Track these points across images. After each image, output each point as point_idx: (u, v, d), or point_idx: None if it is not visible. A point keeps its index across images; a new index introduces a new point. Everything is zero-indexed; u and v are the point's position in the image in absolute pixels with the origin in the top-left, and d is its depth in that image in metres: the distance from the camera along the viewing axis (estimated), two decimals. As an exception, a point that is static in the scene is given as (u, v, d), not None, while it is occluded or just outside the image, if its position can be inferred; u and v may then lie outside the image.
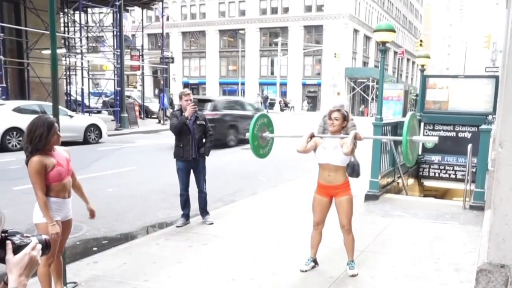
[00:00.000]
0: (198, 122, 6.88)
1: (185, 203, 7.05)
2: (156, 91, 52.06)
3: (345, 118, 4.87)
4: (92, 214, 4.35)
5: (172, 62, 36.99)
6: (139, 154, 15.20)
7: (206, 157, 7.00)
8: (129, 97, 28.34)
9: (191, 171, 6.94)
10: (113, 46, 25.82)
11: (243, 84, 61.56)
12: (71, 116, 17.06)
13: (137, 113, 26.66)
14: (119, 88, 24.16)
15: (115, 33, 25.15)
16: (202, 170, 6.99)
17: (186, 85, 68.63)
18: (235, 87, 62.84)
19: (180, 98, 6.87)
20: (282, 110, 50.93)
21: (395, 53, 70.18)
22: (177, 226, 6.93)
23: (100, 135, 17.90)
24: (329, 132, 4.94)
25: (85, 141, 17.24)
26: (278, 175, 11.93)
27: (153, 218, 7.80)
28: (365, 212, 7.84)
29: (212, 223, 7.05)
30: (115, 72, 24.98)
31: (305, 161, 13.32)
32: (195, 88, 69.24)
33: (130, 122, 23.84)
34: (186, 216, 7.09)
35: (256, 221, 7.29)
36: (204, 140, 6.94)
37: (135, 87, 45.59)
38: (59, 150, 4.03)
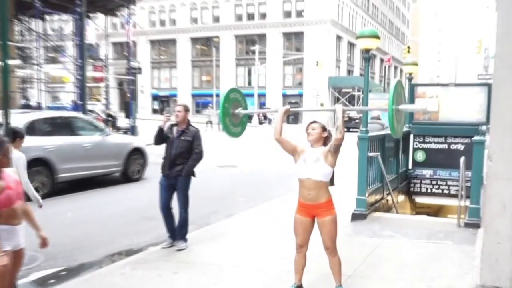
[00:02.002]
0: (182, 138, 6.91)
1: (166, 221, 7.08)
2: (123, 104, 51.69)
3: (324, 129, 4.90)
4: (44, 243, 4.22)
5: (140, 72, 36.86)
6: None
7: (191, 176, 7.02)
8: (91, 111, 28.06)
9: (174, 188, 6.98)
10: (74, 56, 25.62)
11: (218, 96, 61.45)
12: (105, 134, 13.25)
13: (101, 129, 26.39)
14: (80, 102, 23.93)
15: (76, 42, 24.98)
16: (181, 189, 6.98)
17: (155, 97, 68.53)
18: (209, 99, 62.77)
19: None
20: (260, 123, 51.05)
21: (382, 60, 71.22)
22: (162, 248, 6.98)
23: (144, 164, 13.99)
24: (310, 143, 4.93)
25: (125, 176, 13.44)
26: (258, 194, 11.88)
27: (118, 245, 7.66)
28: (352, 233, 7.82)
29: (182, 249, 6.94)
30: (76, 85, 24.75)
31: (287, 178, 13.26)
32: (166, 101, 69.10)
33: (94, 139, 23.55)
34: (171, 237, 7.09)
35: (233, 245, 7.21)
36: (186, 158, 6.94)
37: (99, 100, 45.18)
38: (7, 171, 3.93)
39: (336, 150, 4.76)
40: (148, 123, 44.92)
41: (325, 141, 4.91)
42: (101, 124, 14.25)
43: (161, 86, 70.04)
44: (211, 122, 39.42)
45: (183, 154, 6.91)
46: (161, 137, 6.98)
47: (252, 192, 12.12)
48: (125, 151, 13.47)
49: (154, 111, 69.10)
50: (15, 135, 6.24)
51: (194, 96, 67.58)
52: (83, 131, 12.58)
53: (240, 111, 5.39)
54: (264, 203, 10.64)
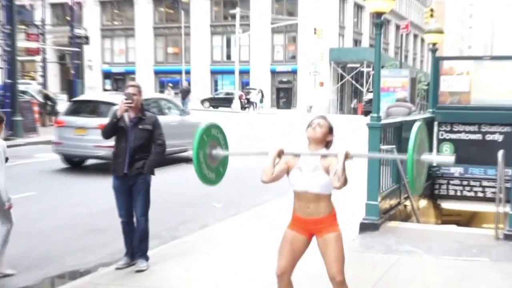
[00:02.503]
0: (140, 126, 6.90)
1: (126, 235, 7.10)
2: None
3: (331, 130, 4.87)
4: None
5: (87, 43, 36.57)
6: (40, 174, 14.90)
7: (151, 175, 7.08)
8: (24, 92, 27.77)
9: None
10: (0, 21, 25.32)
11: (188, 73, 61.47)
12: (184, 113, 18.17)
13: (37, 116, 26.17)
14: (9, 81, 23.67)
15: (2, 2, 24.68)
16: (140, 192, 6.99)
17: (107, 74, 68.18)
18: (177, 77, 62.64)
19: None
20: (243, 107, 51.07)
21: (398, 27, 71.55)
22: (117, 268, 6.94)
23: None
24: (309, 142, 4.88)
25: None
26: (239, 200, 11.87)
27: (59, 265, 7.60)
28: (360, 248, 7.83)
29: (143, 270, 6.91)
30: (4, 58, 24.49)
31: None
32: (121, 80, 68.75)
33: (26, 129, 23.36)
34: (130, 254, 7.07)
35: (206, 265, 7.19)
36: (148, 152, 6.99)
37: (34, 79, 44.80)
38: None
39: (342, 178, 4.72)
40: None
41: (327, 144, 4.90)
42: (180, 104, 19.38)
43: (115, 61, 69.68)
44: None
45: (142, 147, 6.90)
46: (114, 129, 6.91)
47: (232, 197, 12.09)
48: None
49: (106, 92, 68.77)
50: None
51: (157, 73, 67.40)
52: (167, 111, 17.10)
53: (219, 152, 5.28)
54: (248, 210, 10.61)
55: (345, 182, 4.55)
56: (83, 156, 15.70)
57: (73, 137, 15.07)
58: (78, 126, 15.08)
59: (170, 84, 44.08)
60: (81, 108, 16.10)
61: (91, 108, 15.87)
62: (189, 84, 47.87)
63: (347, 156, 4.57)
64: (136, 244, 7.05)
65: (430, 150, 4.87)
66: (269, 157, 4.84)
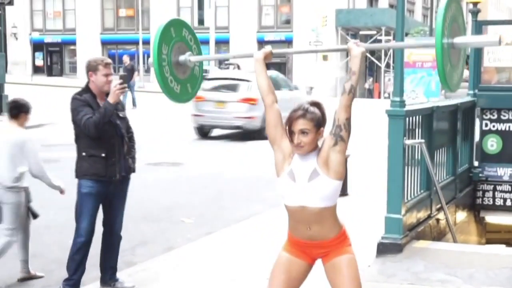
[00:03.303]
0: (120, 115, 7.33)
1: (83, 258, 7.47)
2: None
3: (319, 124, 4.72)
4: None
5: (10, 3, 36.31)
6: None
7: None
8: None
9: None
10: None
11: (147, 43, 61.22)
12: (293, 88, 23.79)
13: None
14: None
15: None
16: (124, 199, 7.62)
17: (38, 46, 67.74)
18: (133, 48, 62.47)
19: (94, 70, 7.10)
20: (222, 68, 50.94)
21: (427, -19, 71.71)
22: None
23: None
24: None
25: None
26: (215, 213, 11.89)
27: None
28: (378, 277, 7.84)
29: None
30: None
31: (265, 186, 13.26)
32: (57, 52, 68.45)
33: None
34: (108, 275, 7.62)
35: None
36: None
37: None
38: None
39: (345, 129, 4.63)
40: (28, 91, 44.47)
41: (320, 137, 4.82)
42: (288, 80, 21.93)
43: (48, 27, 69.34)
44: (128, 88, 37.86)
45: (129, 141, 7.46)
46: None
47: (206, 209, 12.10)
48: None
49: (37, 69, 68.41)
50: (19, 109, 7.21)
51: (105, 43, 67.13)
52: (280, 86, 22.33)
53: (189, 57, 5.30)
54: (226, 227, 10.62)
55: (353, 95, 4.66)
56: (223, 126, 23.26)
57: (213, 110, 22.33)
58: (218, 100, 22.53)
59: (130, 56, 41.92)
60: (217, 84, 24.01)
61: (227, 84, 23.77)
62: (131, 59, 41.17)
63: (362, 53, 4.68)
64: (114, 264, 7.65)
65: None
66: (255, 65, 4.97)
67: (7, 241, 7.90)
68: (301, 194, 4.68)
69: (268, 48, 4.99)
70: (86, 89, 7.20)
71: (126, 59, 37.39)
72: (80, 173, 7.26)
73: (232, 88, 23.21)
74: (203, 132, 23.33)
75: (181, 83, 5.27)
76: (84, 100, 7.09)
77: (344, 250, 4.80)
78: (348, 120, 4.65)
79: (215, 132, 23.80)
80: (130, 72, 34.96)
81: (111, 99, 6.97)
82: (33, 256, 8.77)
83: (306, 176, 4.66)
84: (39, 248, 9.14)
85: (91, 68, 7.11)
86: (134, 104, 32.97)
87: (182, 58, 5.24)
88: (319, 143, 4.73)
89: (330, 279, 4.83)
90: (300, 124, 4.63)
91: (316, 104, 4.75)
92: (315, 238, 4.75)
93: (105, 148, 7.15)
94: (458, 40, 4.61)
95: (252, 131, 22.12)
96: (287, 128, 4.71)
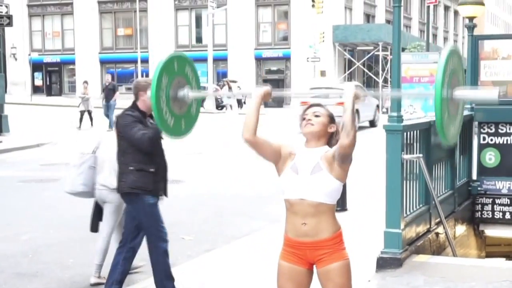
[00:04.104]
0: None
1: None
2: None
3: (332, 119, 4.83)
4: None
5: (9, 24, 36.38)
6: None
7: None
8: None
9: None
10: None
11: (145, 61, 61.43)
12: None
13: None
14: None
15: None
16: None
17: (37, 66, 67.84)
18: (131, 67, 62.60)
19: (145, 90, 7.08)
20: (219, 107, 51.02)
21: (423, -3, 71.90)
22: None
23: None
24: (306, 139, 4.87)
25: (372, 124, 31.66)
26: (215, 230, 11.84)
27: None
28: (379, 292, 7.81)
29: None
30: None
31: (266, 202, 13.21)
32: (56, 72, 68.53)
33: None
34: None
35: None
36: None
37: None
38: None
39: (343, 160, 4.69)
40: (27, 111, 44.50)
41: (330, 139, 4.87)
42: None
43: (47, 47, 69.45)
44: (88, 112, 33.57)
45: None
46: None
47: (206, 227, 12.06)
48: (374, 104, 34.28)
49: (36, 89, 68.50)
50: None
51: (103, 62, 67.23)
52: None
53: (188, 92, 5.28)
54: (227, 244, 10.57)
55: (355, 135, 4.55)
56: None
57: None
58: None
59: (86, 80, 39.62)
60: (317, 92, 31.00)
61: (324, 91, 31.33)
62: (112, 78, 40.72)
63: (357, 97, 4.59)
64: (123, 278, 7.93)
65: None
66: (252, 100, 4.90)
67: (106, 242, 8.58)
68: (302, 186, 4.73)
69: (268, 88, 4.97)
70: (135, 107, 7.39)
71: (108, 78, 36.45)
72: (125, 187, 7.40)
73: (328, 95, 31.54)
74: None
75: (176, 118, 5.25)
76: (137, 117, 7.28)
77: (338, 255, 4.79)
78: (344, 154, 4.66)
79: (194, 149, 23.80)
80: (111, 92, 33.74)
81: None
82: (33, 276, 8.79)
83: (309, 169, 4.73)
84: (39, 267, 9.11)
85: (142, 88, 7.31)
86: (110, 126, 31.52)
87: (180, 93, 5.23)
88: (330, 149, 4.80)
89: (321, 285, 4.86)
90: (315, 109, 4.85)
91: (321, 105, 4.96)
92: (308, 236, 4.76)
93: (155, 164, 7.37)
94: (457, 93, 4.62)
95: None
96: (301, 118, 4.87)
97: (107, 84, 34.93)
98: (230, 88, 50.79)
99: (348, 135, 4.53)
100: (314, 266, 4.88)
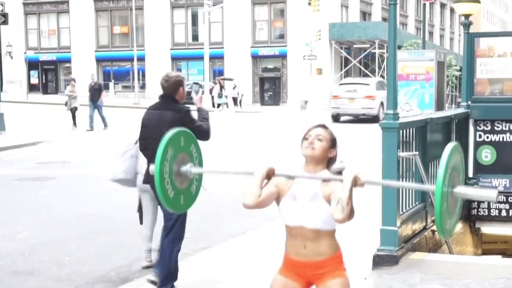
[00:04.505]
0: None
1: None
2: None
3: (333, 143, 4.82)
4: None
5: (5, 22, 36.33)
6: None
7: None
8: None
9: None
10: None
11: (141, 59, 61.35)
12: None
13: None
14: None
15: None
16: None
17: (33, 64, 67.74)
18: (127, 65, 62.53)
19: (183, 84, 7.93)
20: (216, 105, 50.98)
21: (419, -6, 71.88)
22: None
23: None
24: (305, 160, 4.85)
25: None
26: (212, 228, 11.87)
27: None
28: (375, 290, 7.82)
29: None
30: None
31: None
32: (52, 70, 68.43)
33: None
34: None
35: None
36: None
37: None
38: None
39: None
40: (23, 109, 44.45)
41: (329, 162, 4.86)
42: None
43: (43, 45, 69.38)
44: (73, 110, 32.18)
45: None
46: None
47: (203, 224, 12.04)
48: (379, 100, 36.29)
49: (32, 88, 68.42)
50: None
51: (99, 60, 67.18)
52: None
53: (190, 168, 5.25)
54: (223, 242, 10.58)
55: (350, 214, 4.51)
56: (353, 114, 38.33)
57: (346, 104, 37.60)
58: (350, 97, 37.48)
59: (74, 78, 38.46)
60: (347, 87, 39.36)
61: (354, 87, 39.00)
62: (93, 81, 35.34)
63: (356, 182, 4.55)
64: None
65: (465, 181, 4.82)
66: (255, 178, 4.82)
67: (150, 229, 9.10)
68: (301, 213, 4.72)
69: (271, 167, 4.91)
70: (175, 100, 7.84)
71: (93, 77, 35.15)
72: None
73: (357, 89, 38.14)
74: (337, 118, 38.45)
75: (176, 191, 5.23)
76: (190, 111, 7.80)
77: (338, 273, 4.79)
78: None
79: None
80: (97, 92, 32.56)
81: (201, 106, 8.03)
82: (29, 274, 8.79)
83: (307, 197, 4.72)
84: (36, 266, 9.12)
85: (183, 83, 7.89)
86: (105, 124, 31.57)
87: (183, 168, 5.21)
88: (330, 172, 4.82)
89: None
90: (319, 131, 4.81)
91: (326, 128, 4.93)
92: (309, 257, 4.76)
93: None
94: (457, 190, 4.64)
95: (371, 117, 35.93)
96: (303, 136, 4.83)
97: (92, 84, 33.52)
98: (222, 87, 50.78)
99: (342, 212, 4.49)
100: (314, 285, 4.88)
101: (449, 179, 4.48)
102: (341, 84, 41.50)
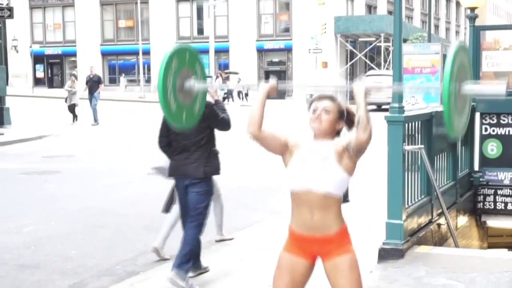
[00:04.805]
0: None
1: None
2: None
3: (342, 115, 4.79)
4: None
5: (10, 16, 36.34)
6: None
7: None
8: None
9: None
10: None
11: (146, 53, 61.35)
12: None
13: None
14: None
15: None
16: None
17: (39, 58, 67.82)
18: (133, 59, 62.55)
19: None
20: (223, 99, 50.97)
21: (425, -12, 71.73)
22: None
23: None
24: (313, 133, 4.82)
25: None
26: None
27: None
28: (380, 283, 7.81)
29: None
30: None
31: (268, 194, 13.20)
32: (57, 64, 68.45)
33: None
34: None
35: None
36: None
37: None
38: None
39: (357, 153, 4.65)
40: (29, 103, 44.47)
41: (337, 134, 4.84)
42: None
43: (49, 39, 69.41)
44: (72, 107, 31.85)
45: None
46: None
47: (208, 218, 12.05)
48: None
49: (38, 81, 68.47)
50: None
51: (105, 54, 67.21)
52: None
53: (194, 84, 5.27)
54: (228, 236, 10.52)
55: (371, 130, 4.57)
56: (380, 104, 38.48)
57: (373, 94, 36.06)
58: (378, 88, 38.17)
59: (74, 73, 37.65)
60: (374, 78, 38.89)
61: (379, 77, 40.03)
62: (91, 73, 34.51)
63: (366, 92, 4.64)
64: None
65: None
66: (258, 94, 4.89)
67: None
68: (309, 175, 4.65)
69: (274, 82, 4.94)
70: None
71: (92, 69, 34.33)
72: (212, 171, 8.04)
73: (383, 80, 37.52)
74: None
75: (178, 105, 5.22)
76: None
77: (346, 248, 4.73)
78: (359, 148, 4.63)
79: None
80: (96, 84, 32.33)
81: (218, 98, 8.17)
82: (35, 267, 8.80)
83: (317, 158, 4.67)
84: (42, 259, 9.13)
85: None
86: (95, 119, 30.87)
87: (187, 83, 5.22)
88: (339, 142, 4.76)
89: (330, 280, 4.76)
90: (326, 103, 4.78)
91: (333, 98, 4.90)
92: (317, 230, 4.69)
93: None
94: (465, 87, 4.61)
95: None
96: (310, 106, 4.82)
97: (91, 76, 33.16)
98: (223, 80, 50.72)
99: (365, 131, 4.51)
100: (317, 260, 4.82)
101: (456, 75, 4.47)
102: (367, 76, 43.58)
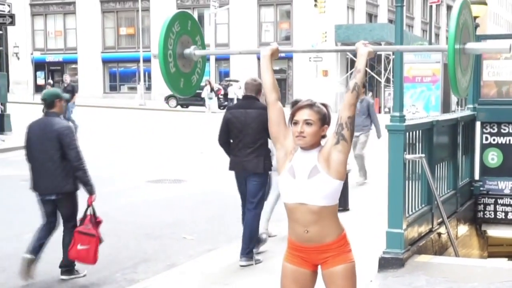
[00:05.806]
0: None
1: None
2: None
3: (324, 120, 4.74)
4: None
5: (12, 23, 36.37)
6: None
7: None
8: None
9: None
10: None
11: (147, 60, 61.33)
12: None
13: None
14: None
15: None
16: None
17: (39, 65, 67.84)
18: (133, 66, 62.56)
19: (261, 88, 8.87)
20: (221, 106, 50.88)
21: (425, -3, 71.78)
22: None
23: None
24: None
25: None
26: (217, 229, 11.86)
27: None
28: (381, 292, 7.80)
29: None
30: None
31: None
32: (58, 71, 68.43)
33: None
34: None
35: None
36: None
37: None
38: None
39: (347, 128, 4.62)
40: (30, 110, 44.38)
41: (323, 138, 4.80)
42: None
43: (50, 46, 69.44)
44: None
45: None
46: None
47: (208, 226, 12.04)
48: None
49: (39, 88, 68.33)
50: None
51: (106, 61, 67.22)
52: None
53: (193, 50, 5.28)
54: (229, 243, 10.57)
55: (357, 94, 4.78)
56: None
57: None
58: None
59: (50, 81, 36.77)
60: None
61: None
62: (72, 80, 35.74)
63: (369, 54, 4.98)
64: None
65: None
66: (262, 61, 5.03)
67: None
68: (300, 190, 4.63)
69: (274, 45, 4.99)
70: (257, 99, 9.14)
71: (66, 78, 33.33)
72: (267, 168, 9.09)
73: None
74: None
75: (177, 69, 5.25)
76: None
77: (343, 257, 4.73)
78: (351, 119, 4.65)
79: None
80: (71, 94, 29.50)
81: None
82: (35, 274, 8.76)
83: (306, 173, 4.63)
84: (42, 266, 9.07)
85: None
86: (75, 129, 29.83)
87: (187, 51, 5.24)
88: (322, 143, 4.73)
89: (326, 287, 4.81)
90: (306, 114, 4.67)
91: (322, 103, 4.83)
92: (313, 241, 4.69)
93: None
94: (469, 45, 4.61)
95: None
96: (290, 117, 4.77)
97: (65, 85, 31.49)
98: (212, 89, 50.49)
99: (353, 90, 4.75)
100: (319, 266, 4.83)
101: (460, 35, 4.47)
102: None
